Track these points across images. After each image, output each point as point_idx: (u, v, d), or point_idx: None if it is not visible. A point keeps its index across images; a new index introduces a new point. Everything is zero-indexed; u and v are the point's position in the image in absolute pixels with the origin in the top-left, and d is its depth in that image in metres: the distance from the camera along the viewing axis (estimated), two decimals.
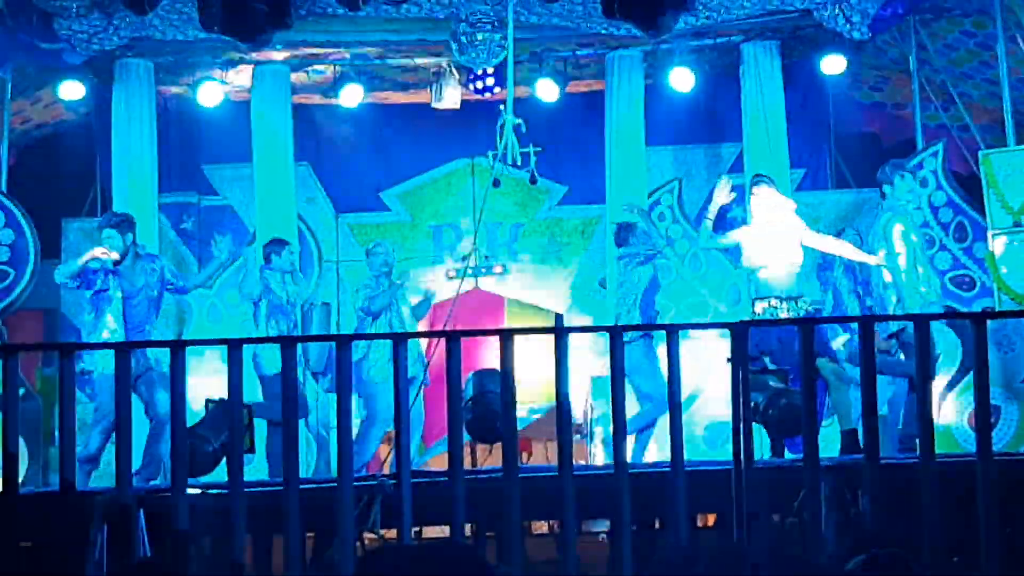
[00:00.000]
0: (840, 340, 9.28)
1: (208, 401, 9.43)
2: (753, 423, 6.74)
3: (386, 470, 9.71)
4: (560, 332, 6.36)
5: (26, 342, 10.15)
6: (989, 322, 6.48)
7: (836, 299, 9.90)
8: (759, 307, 9.26)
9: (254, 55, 11.56)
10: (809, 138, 12.03)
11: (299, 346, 7.69)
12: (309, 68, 11.93)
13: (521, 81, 11.25)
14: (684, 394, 6.42)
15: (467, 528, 6.83)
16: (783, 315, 9.05)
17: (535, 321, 12.52)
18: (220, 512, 6.37)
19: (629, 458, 7.18)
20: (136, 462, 7.44)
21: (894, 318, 8.31)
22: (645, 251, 9.73)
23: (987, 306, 10.23)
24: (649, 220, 10.05)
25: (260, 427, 9.46)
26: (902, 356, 8.72)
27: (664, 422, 8.63)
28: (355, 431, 8.14)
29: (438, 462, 10.75)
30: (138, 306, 8.76)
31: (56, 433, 8.51)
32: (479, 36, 9.47)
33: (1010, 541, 6.33)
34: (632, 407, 9.06)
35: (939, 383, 8.57)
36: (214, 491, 7.07)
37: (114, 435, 6.54)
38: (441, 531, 7.63)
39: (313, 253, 12.32)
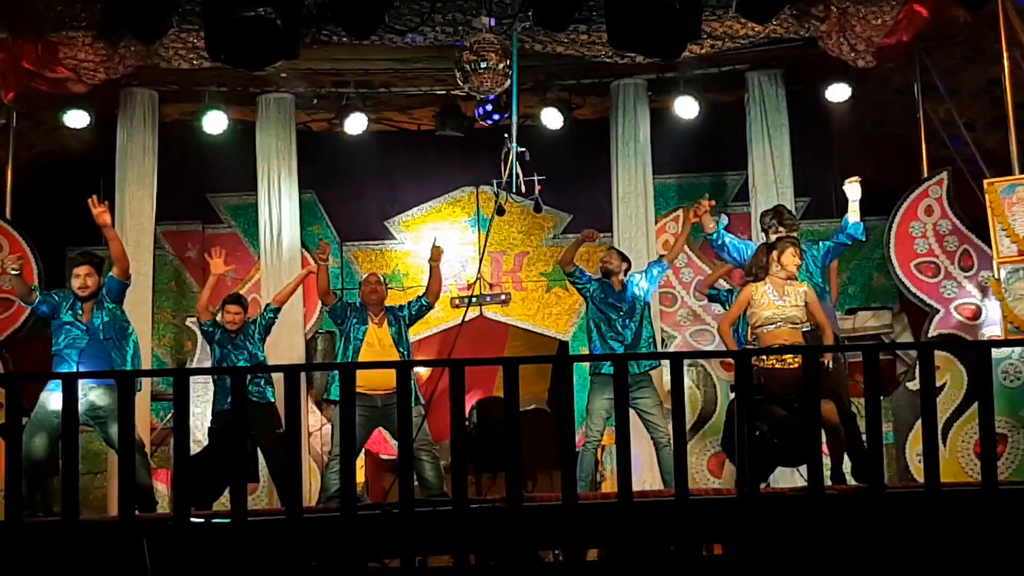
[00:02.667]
0: None
1: (211, 430, 9.42)
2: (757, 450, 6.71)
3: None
4: (564, 360, 6.36)
5: (30, 371, 10.12)
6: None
7: None
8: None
9: (259, 84, 11.60)
10: (813, 166, 12.01)
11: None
12: (314, 96, 11.95)
13: (525, 109, 11.26)
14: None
15: (471, 557, 6.80)
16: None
17: (539, 349, 12.50)
18: (223, 540, 6.34)
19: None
20: None
21: (900, 346, 8.29)
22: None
23: (993, 334, 10.21)
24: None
25: None
26: None
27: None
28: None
29: None
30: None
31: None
32: (484, 65, 9.46)
33: (1016, 570, 6.31)
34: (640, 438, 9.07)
35: None
36: (217, 519, 7.04)
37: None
38: (445, 560, 7.61)
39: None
